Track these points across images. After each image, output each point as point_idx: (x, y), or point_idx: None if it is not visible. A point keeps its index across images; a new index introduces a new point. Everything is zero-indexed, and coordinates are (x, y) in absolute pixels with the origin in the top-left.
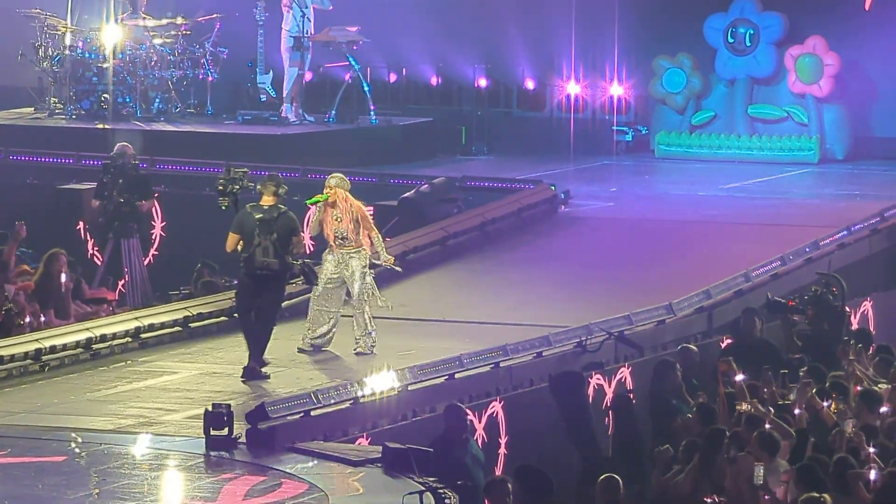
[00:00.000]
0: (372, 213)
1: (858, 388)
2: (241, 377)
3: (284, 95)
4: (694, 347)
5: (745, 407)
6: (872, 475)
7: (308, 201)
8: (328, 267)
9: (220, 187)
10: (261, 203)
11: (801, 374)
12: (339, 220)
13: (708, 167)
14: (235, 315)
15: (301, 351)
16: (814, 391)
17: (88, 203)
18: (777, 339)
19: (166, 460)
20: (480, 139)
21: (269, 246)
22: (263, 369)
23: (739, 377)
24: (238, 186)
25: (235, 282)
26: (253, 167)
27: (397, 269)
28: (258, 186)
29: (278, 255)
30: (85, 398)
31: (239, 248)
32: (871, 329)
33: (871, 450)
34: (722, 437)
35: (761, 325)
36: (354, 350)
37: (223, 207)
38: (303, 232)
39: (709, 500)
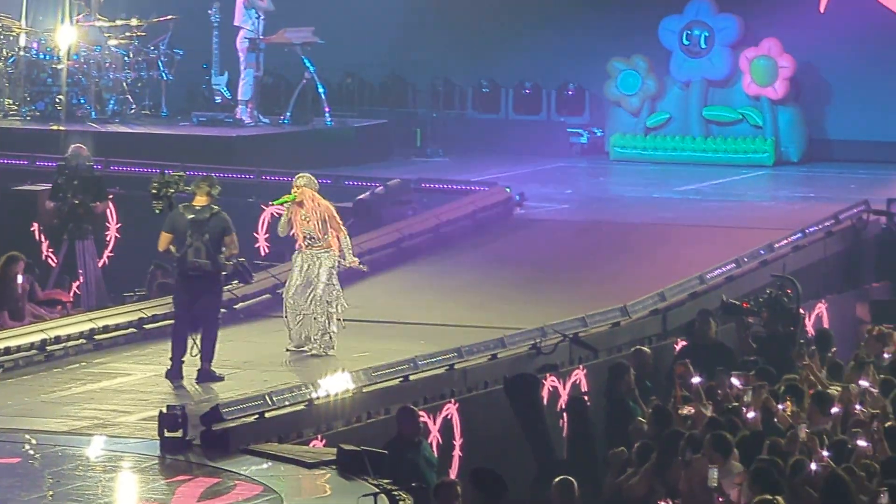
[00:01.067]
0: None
1: (812, 391)
2: (196, 380)
3: (241, 98)
4: (647, 349)
5: (686, 410)
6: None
7: (275, 202)
8: (298, 266)
9: (154, 191)
10: (193, 203)
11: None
12: (307, 219)
13: (663, 169)
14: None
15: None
16: (766, 394)
17: (43, 204)
18: (732, 341)
19: (120, 462)
20: (435, 141)
21: (200, 247)
22: (182, 379)
23: (696, 380)
24: (172, 190)
25: None
26: (208, 169)
27: (363, 268)
28: (192, 187)
29: (210, 255)
30: (39, 400)
31: (172, 248)
32: None
33: (826, 453)
34: (678, 439)
35: (716, 328)
36: (310, 350)
37: (157, 211)
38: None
39: (663, 503)
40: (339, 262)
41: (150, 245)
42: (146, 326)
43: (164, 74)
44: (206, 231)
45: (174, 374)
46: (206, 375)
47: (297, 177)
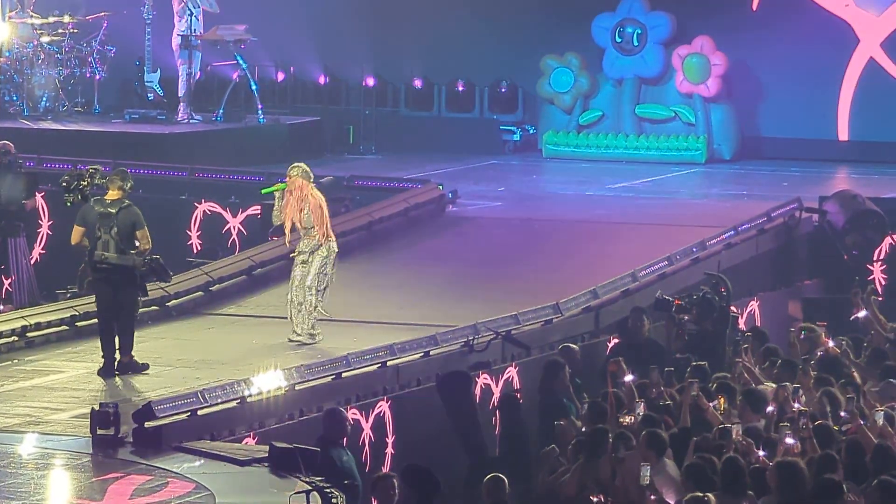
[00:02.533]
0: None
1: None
2: (115, 370)
3: (181, 96)
4: (575, 346)
5: (626, 420)
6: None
7: (265, 190)
8: (298, 254)
9: (64, 184)
10: (105, 197)
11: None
12: (298, 210)
13: (595, 167)
14: None
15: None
16: (699, 391)
17: None
18: (663, 338)
19: (53, 460)
20: (368, 138)
21: (108, 240)
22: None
23: (628, 378)
24: (85, 183)
25: None
26: (140, 166)
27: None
28: (105, 181)
29: (119, 249)
30: None
31: (85, 242)
32: None
33: (761, 453)
34: (604, 436)
35: (649, 325)
36: (295, 338)
37: (68, 204)
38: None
39: (595, 500)
40: (334, 253)
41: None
42: (78, 324)
43: (96, 71)
44: (114, 225)
45: (107, 371)
46: (128, 366)
47: (291, 166)
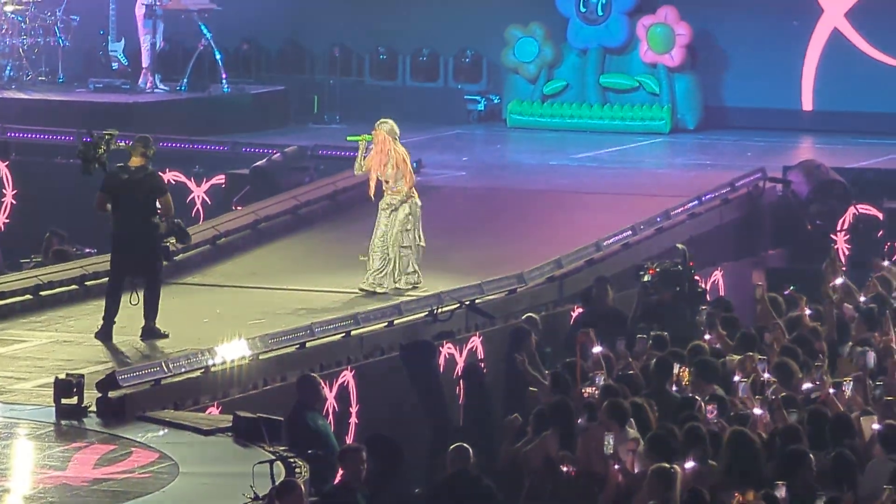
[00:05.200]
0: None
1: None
2: (140, 337)
3: (145, 65)
4: (535, 316)
5: (588, 392)
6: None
7: (349, 137)
8: (381, 211)
9: (81, 155)
10: (129, 164)
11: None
12: (382, 163)
13: (560, 137)
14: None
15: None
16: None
17: None
18: (629, 308)
19: (16, 429)
20: (333, 108)
21: (134, 206)
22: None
23: (597, 349)
24: (102, 150)
25: (87, 250)
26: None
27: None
28: (128, 147)
29: (142, 215)
30: None
31: (108, 208)
32: None
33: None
34: (567, 407)
35: (613, 294)
36: (369, 288)
37: (88, 173)
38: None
39: (565, 469)
40: (418, 207)
41: (47, 211)
42: (42, 293)
43: (60, 40)
44: (139, 191)
45: (104, 335)
46: (151, 333)
47: (380, 121)
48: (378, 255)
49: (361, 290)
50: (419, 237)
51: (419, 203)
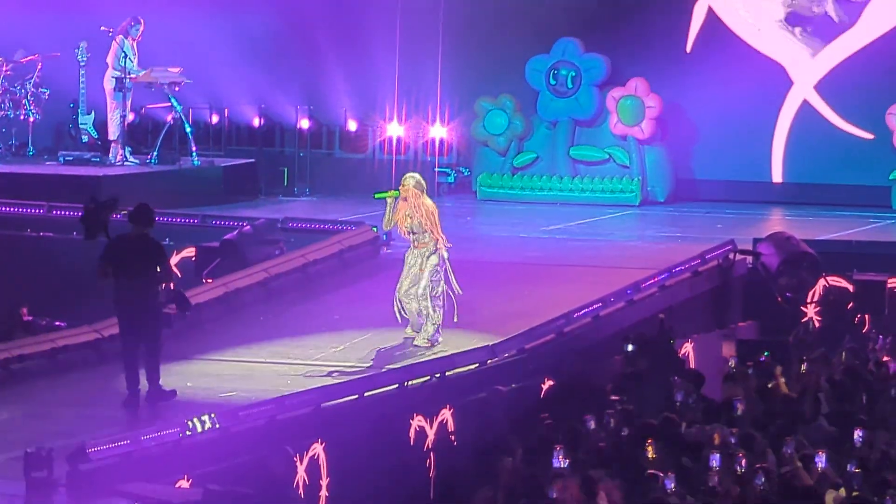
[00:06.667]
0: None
1: None
2: (146, 401)
3: (115, 138)
4: (503, 388)
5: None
6: None
7: (377, 195)
8: (408, 264)
9: (85, 223)
10: (130, 232)
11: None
12: (409, 216)
13: (530, 209)
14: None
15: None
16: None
17: None
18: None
19: None
20: (303, 180)
21: (132, 273)
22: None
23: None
24: (104, 217)
25: (56, 323)
26: (74, 209)
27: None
28: (129, 216)
29: (142, 282)
30: None
31: (109, 274)
32: None
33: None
34: (540, 483)
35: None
36: (416, 342)
37: (91, 238)
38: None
39: None
40: (445, 260)
41: (17, 284)
42: (12, 367)
43: (30, 113)
44: (141, 258)
45: (131, 403)
46: (156, 395)
47: (406, 175)
48: (414, 307)
49: (417, 345)
50: (454, 285)
51: (447, 255)
